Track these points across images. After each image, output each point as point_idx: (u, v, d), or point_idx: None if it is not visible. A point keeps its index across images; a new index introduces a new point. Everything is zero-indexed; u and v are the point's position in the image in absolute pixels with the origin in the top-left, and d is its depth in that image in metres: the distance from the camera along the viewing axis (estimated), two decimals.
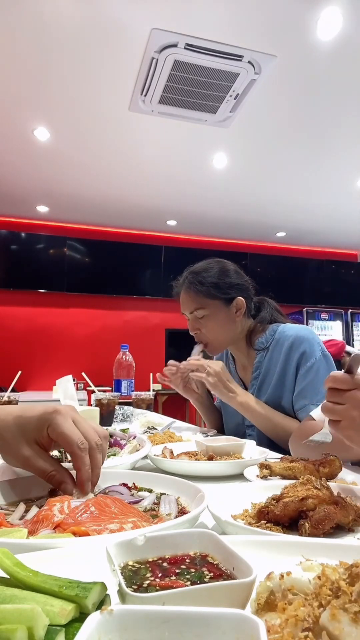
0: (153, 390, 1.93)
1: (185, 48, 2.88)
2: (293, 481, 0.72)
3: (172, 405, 6.18)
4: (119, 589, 0.35)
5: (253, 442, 1.23)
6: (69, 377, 1.75)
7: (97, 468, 0.71)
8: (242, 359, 1.59)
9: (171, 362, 1.64)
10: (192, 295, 1.49)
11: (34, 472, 0.70)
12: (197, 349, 1.55)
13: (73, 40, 2.88)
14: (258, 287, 1.59)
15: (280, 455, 1.07)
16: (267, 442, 1.38)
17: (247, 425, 1.49)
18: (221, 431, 1.71)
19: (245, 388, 1.56)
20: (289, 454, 1.10)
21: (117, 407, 1.71)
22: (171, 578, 0.38)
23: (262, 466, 0.91)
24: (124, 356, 1.99)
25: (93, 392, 1.75)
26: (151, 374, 2.00)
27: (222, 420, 1.75)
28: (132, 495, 0.75)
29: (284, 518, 0.63)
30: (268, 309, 1.57)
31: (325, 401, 0.78)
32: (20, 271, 6.22)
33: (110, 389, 2.00)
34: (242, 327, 1.53)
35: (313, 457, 0.92)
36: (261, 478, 0.89)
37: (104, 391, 1.76)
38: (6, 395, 1.76)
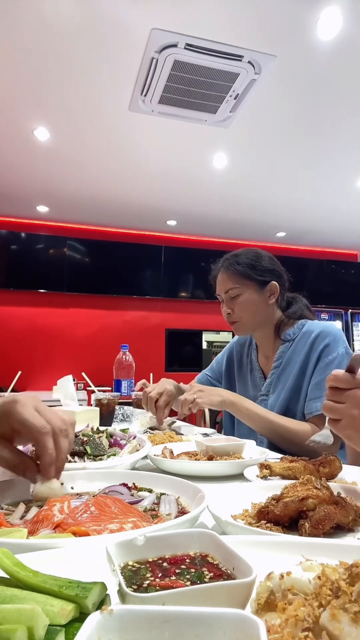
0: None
1: (185, 48, 2.88)
2: (293, 481, 0.72)
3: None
4: (119, 589, 0.35)
5: (253, 442, 1.23)
6: (69, 377, 1.75)
7: (62, 453, 0.69)
8: (266, 349, 1.60)
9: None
10: (229, 274, 1.53)
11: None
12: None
13: (73, 40, 2.88)
14: (292, 279, 1.62)
15: (280, 455, 1.07)
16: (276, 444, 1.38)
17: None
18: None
19: (265, 377, 1.58)
20: (288, 454, 1.10)
21: (117, 407, 1.71)
22: (171, 578, 0.38)
23: (262, 466, 0.91)
24: (124, 356, 1.99)
25: (93, 392, 1.75)
26: (151, 374, 2.00)
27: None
28: (132, 495, 0.75)
29: (284, 518, 0.63)
30: (300, 304, 1.61)
31: (326, 400, 0.78)
32: (20, 271, 6.22)
33: (110, 389, 2.00)
34: (272, 315, 1.56)
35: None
36: (261, 478, 0.89)
37: (104, 391, 1.76)
38: (6, 395, 1.76)
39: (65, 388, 1.71)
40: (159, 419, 1.57)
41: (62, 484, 0.71)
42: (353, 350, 1.42)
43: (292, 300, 1.62)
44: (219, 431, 2.23)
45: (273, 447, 1.37)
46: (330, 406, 0.76)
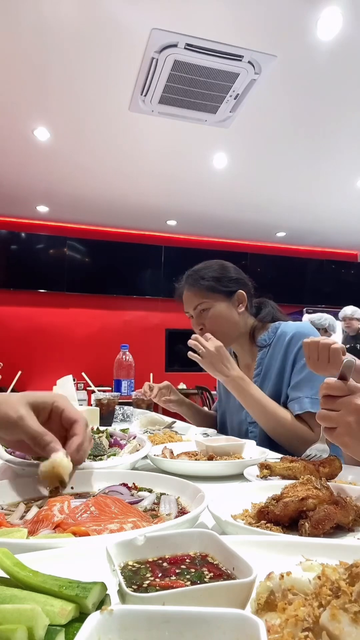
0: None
1: (185, 48, 2.88)
2: (293, 481, 0.72)
3: None
4: (119, 589, 0.35)
5: (253, 442, 1.23)
6: (69, 377, 1.75)
7: (88, 441, 0.79)
8: (245, 357, 1.60)
9: (145, 385, 1.78)
10: (194, 291, 1.52)
11: (25, 432, 0.72)
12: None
13: (73, 40, 2.88)
14: (257, 286, 1.62)
15: (280, 455, 1.07)
16: (268, 441, 1.38)
17: (250, 422, 1.49)
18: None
19: None
20: (288, 454, 1.10)
21: (117, 407, 1.71)
22: (171, 578, 0.38)
23: (262, 466, 0.91)
24: (124, 356, 1.99)
25: (93, 392, 1.75)
26: (151, 374, 2.00)
27: (215, 425, 1.76)
28: (132, 495, 0.75)
29: (284, 518, 0.63)
30: (269, 307, 1.60)
31: (320, 409, 0.77)
32: (20, 271, 6.22)
33: (110, 389, 2.00)
34: (244, 324, 1.55)
35: None
36: (261, 478, 0.89)
37: (104, 391, 1.76)
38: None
39: (65, 388, 1.71)
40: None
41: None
42: None
43: (261, 305, 1.61)
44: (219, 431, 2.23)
45: (274, 446, 1.37)
46: (324, 414, 0.76)
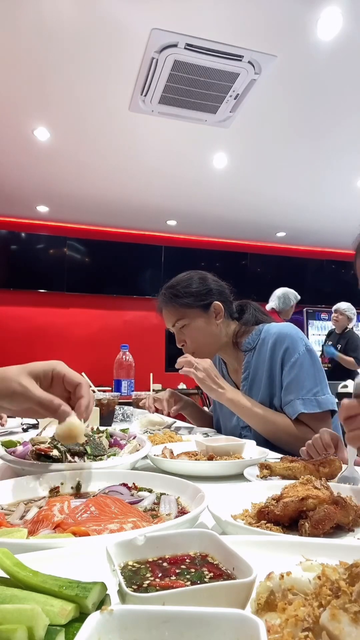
0: (153, 390, 1.93)
1: (185, 48, 2.88)
2: (293, 481, 0.72)
3: None
4: (119, 589, 0.35)
5: (253, 442, 1.23)
6: None
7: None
8: (232, 362, 1.60)
9: (150, 399, 1.77)
10: (170, 309, 1.53)
11: (34, 400, 0.77)
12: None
13: (73, 40, 2.88)
14: (235, 289, 1.61)
15: (280, 455, 1.07)
16: (264, 442, 1.38)
17: (242, 426, 1.50)
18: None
19: (239, 389, 1.56)
20: (288, 454, 1.10)
21: (117, 407, 1.71)
22: (171, 578, 0.38)
23: (262, 466, 0.91)
24: (124, 356, 1.99)
25: (93, 392, 1.75)
26: (151, 374, 2.00)
27: (212, 425, 1.77)
28: (132, 495, 0.75)
29: (284, 518, 0.63)
30: (251, 310, 1.59)
31: (347, 434, 0.80)
32: (20, 271, 6.22)
33: (110, 389, 2.00)
34: (226, 331, 1.55)
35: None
36: (261, 478, 0.89)
37: (104, 391, 1.76)
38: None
39: None
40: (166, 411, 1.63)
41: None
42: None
43: (244, 308, 1.61)
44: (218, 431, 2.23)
45: (270, 447, 1.37)
46: (353, 436, 0.78)
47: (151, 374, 2.00)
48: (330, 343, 5.19)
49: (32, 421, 1.82)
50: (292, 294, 4.52)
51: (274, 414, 1.37)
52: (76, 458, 0.95)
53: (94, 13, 2.65)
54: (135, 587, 0.36)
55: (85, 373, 1.86)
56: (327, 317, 7.30)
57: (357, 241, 1.10)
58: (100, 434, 1.08)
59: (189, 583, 0.37)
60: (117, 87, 3.35)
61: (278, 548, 0.48)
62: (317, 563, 0.39)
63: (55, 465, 0.86)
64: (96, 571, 0.41)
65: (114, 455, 1.00)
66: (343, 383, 3.68)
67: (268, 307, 4.50)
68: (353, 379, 3.87)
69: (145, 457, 1.01)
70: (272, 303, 4.53)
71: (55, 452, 0.93)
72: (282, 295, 4.50)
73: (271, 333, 1.45)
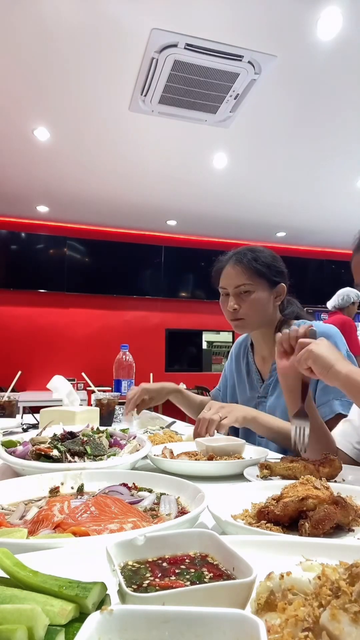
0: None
1: (185, 48, 2.88)
2: (293, 481, 0.72)
3: (172, 405, 6.17)
4: (119, 589, 0.35)
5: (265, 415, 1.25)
6: (60, 377, 1.78)
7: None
8: (264, 350, 1.59)
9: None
10: (243, 268, 1.49)
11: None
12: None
13: (73, 40, 2.88)
14: (292, 280, 1.62)
15: (280, 456, 1.07)
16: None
17: (259, 396, 1.53)
18: None
19: (262, 379, 1.57)
20: (289, 453, 1.10)
21: (117, 407, 1.71)
22: (171, 578, 0.38)
23: (262, 466, 0.91)
24: (124, 356, 1.99)
25: (93, 392, 1.75)
26: (151, 374, 2.00)
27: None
28: (132, 495, 0.75)
29: (284, 518, 0.63)
30: (294, 307, 1.61)
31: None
32: (20, 271, 6.21)
33: (110, 389, 2.00)
34: (274, 317, 1.55)
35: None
36: (261, 478, 0.89)
37: (104, 391, 1.76)
38: (6, 395, 1.76)
39: (59, 387, 1.74)
40: (126, 411, 1.58)
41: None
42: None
43: (287, 303, 1.62)
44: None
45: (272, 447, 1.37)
46: (298, 360, 1.00)
47: (151, 374, 2.00)
48: None
49: (33, 421, 1.82)
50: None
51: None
52: (76, 458, 0.95)
53: (94, 13, 2.65)
54: (135, 587, 0.36)
55: (85, 373, 1.86)
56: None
57: (355, 240, 1.11)
58: (100, 434, 1.08)
59: (188, 583, 0.37)
60: (117, 87, 3.35)
61: (278, 548, 0.48)
62: (317, 563, 0.39)
63: (55, 465, 0.86)
64: (96, 571, 0.41)
65: (114, 455, 1.00)
66: None
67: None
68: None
69: (145, 457, 1.01)
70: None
71: (55, 452, 0.93)
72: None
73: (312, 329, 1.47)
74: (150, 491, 0.78)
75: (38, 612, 0.31)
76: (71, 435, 1.03)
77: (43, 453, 0.93)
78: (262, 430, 1.32)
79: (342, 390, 0.96)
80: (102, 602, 0.37)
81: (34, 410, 2.10)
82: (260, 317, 1.51)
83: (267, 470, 0.89)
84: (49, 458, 0.92)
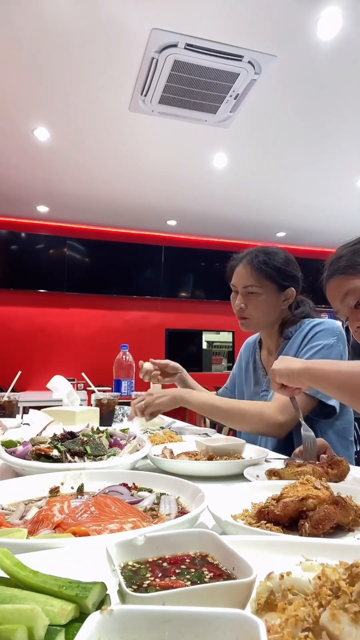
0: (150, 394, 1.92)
1: (185, 48, 2.87)
2: (293, 481, 0.72)
3: None
4: (119, 589, 0.35)
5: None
6: (59, 377, 1.79)
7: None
8: (270, 345, 1.63)
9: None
10: (252, 271, 1.52)
11: None
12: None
13: (73, 40, 2.88)
14: (305, 285, 1.64)
15: (280, 456, 1.07)
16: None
17: (263, 389, 1.56)
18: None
19: (266, 374, 1.60)
20: (288, 453, 1.10)
21: (117, 407, 1.71)
22: (171, 578, 0.38)
23: (271, 473, 0.88)
24: (124, 356, 1.99)
25: (93, 392, 1.75)
26: None
27: None
28: (132, 495, 0.75)
29: (284, 518, 0.63)
30: (306, 307, 1.63)
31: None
32: (20, 271, 6.21)
33: (110, 389, 2.00)
34: (281, 316, 1.58)
35: None
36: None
37: (104, 391, 1.76)
38: (6, 395, 1.76)
39: (59, 387, 1.74)
40: (130, 416, 1.64)
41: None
42: (349, 346, 1.42)
43: (299, 303, 1.64)
44: (219, 431, 2.23)
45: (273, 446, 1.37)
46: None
47: None
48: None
49: (31, 421, 1.83)
50: None
51: (221, 400, 1.40)
52: (76, 458, 0.95)
53: (94, 13, 2.65)
54: (135, 587, 0.36)
55: (85, 373, 1.86)
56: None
57: (325, 270, 1.16)
58: (100, 434, 1.08)
59: (189, 583, 0.37)
60: (117, 87, 3.35)
61: (278, 548, 0.48)
62: (317, 563, 0.39)
63: (55, 465, 0.86)
64: (96, 571, 0.41)
65: (114, 455, 1.00)
66: None
67: None
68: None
69: (145, 457, 1.01)
70: None
71: (55, 452, 0.93)
72: None
73: (312, 324, 1.49)
74: (150, 491, 0.77)
75: (38, 612, 0.31)
76: (71, 435, 1.03)
77: (43, 453, 0.93)
78: (194, 407, 1.39)
79: (314, 387, 0.98)
80: (102, 602, 0.37)
81: (25, 410, 2.14)
82: (265, 318, 1.54)
83: (276, 477, 0.87)
84: (49, 458, 0.92)
